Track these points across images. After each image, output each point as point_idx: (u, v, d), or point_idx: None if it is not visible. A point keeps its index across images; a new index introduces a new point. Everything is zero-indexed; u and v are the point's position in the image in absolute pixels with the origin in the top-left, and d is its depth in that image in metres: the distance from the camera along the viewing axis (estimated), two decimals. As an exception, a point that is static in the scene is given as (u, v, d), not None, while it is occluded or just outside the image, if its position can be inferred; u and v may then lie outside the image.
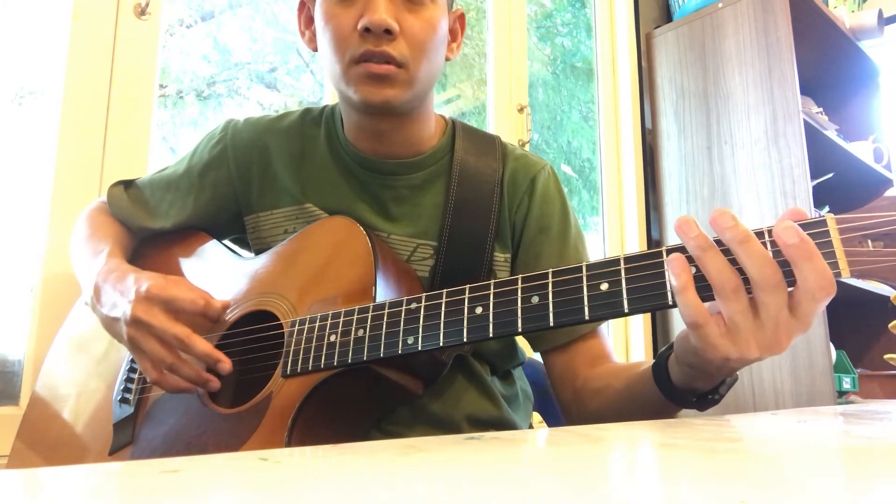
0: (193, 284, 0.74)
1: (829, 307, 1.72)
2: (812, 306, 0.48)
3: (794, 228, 0.47)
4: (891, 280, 0.47)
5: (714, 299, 0.50)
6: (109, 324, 0.74)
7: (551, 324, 0.56)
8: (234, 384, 0.78)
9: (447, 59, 0.82)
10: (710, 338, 0.50)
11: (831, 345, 1.74)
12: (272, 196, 0.85)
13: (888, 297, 0.50)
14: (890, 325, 0.70)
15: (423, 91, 0.77)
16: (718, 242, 0.50)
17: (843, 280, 0.47)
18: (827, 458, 0.37)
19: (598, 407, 0.73)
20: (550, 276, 0.57)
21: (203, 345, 0.69)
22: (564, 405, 0.81)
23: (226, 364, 0.69)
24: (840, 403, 1.77)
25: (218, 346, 0.76)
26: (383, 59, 0.71)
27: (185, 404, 0.74)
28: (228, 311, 0.78)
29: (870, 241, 0.47)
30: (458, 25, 0.85)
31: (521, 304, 0.58)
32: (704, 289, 0.50)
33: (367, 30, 0.70)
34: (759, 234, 0.49)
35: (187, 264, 0.89)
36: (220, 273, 0.84)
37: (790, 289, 0.48)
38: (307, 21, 0.83)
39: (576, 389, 0.77)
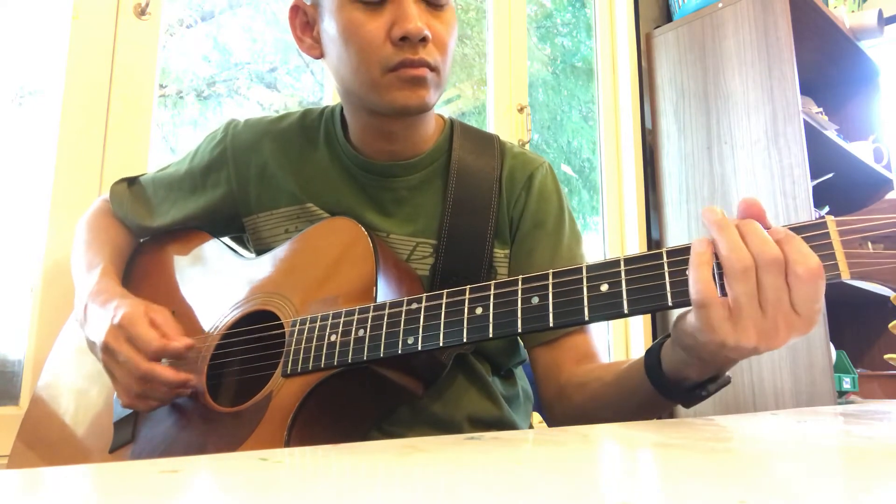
0: (170, 317, 0.74)
1: (828, 307, 1.73)
2: (804, 291, 0.48)
3: (776, 228, 0.50)
4: (891, 282, 0.47)
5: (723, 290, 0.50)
6: (90, 345, 0.76)
7: (551, 324, 0.56)
8: (236, 383, 0.79)
9: None
10: (713, 320, 0.50)
11: (831, 345, 1.74)
12: (271, 197, 0.85)
13: (888, 297, 0.50)
14: (890, 325, 0.69)
15: (443, 92, 0.78)
16: None
17: (844, 281, 0.47)
18: (827, 458, 0.37)
19: (584, 399, 0.73)
20: (551, 276, 0.57)
21: (167, 374, 0.69)
22: (547, 403, 0.80)
23: (193, 380, 0.72)
24: (840, 403, 1.77)
25: (219, 346, 0.77)
26: (421, 64, 0.72)
27: (186, 403, 0.74)
28: (230, 310, 0.79)
29: (870, 244, 0.47)
30: None
31: (521, 304, 0.58)
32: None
33: (402, 39, 0.70)
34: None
35: (189, 266, 0.89)
36: (222, 273, 0.84)
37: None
38: (303, 27, 0.80)
39: (560, 385, 0.76)
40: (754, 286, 0.49)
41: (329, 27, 0.75)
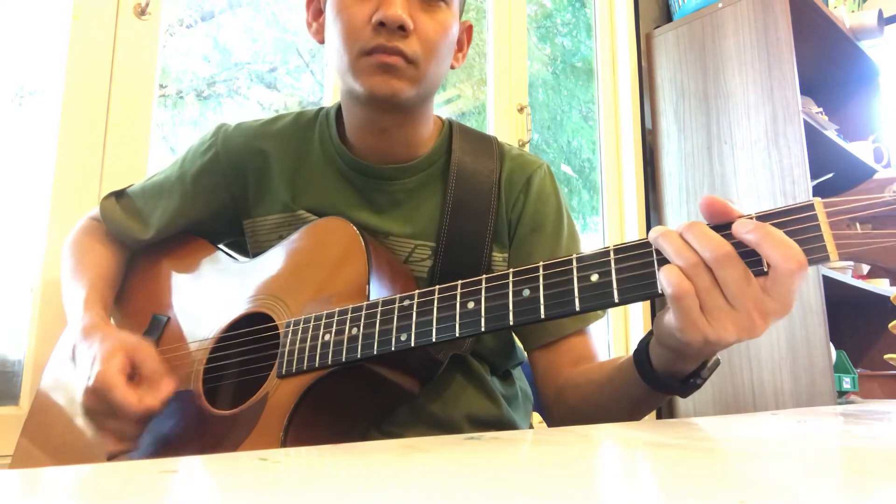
0: (151, 355, 0.70)
1: (829, 307, 1.73)
2: (788, 282, 0.48)
3: (748, 220, 0.50)
4: (879, 262, 0.47)
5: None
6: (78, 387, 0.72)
7: (542, 316, 0.56)
8: (233, 386, 0.78)
9: (451, 68, 0.82)
10: (691, 312, 0.50)
11: (831, 345, 1.74)
12: (266, 202, 0.85)
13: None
14: (890, 325, 0.70)
15: (427, 91, 0.78)
16: None
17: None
18: (827, 458, 0.37)
19: (579, 401, 0.73)
20: (541, 269, 0.57)
21: (149, 402, 0.66)
22: (546, 404, 0.80)
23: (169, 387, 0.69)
24: (840, 403, 1.77)
25: (215, 349, 0.77)
26: (394, 52, 0.72)
27: (183, 406, 0.74)
28: (225, 313, 0.78)
29: (858, 224, 0.47)
30: (465, 37, 0.86)
31: (513, 297, 0.58)
32: None
33: (381, 24, 0.71)
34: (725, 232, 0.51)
35: (184, 270, 0.89)
36: (218, 277, 0.84)
37: (766, 273, 0.49)
38: (315, 13, 0.83)
39: (558, 388, 0.77)
40: (709, 280, 0.49)
41: (328, 10, 0.77)
